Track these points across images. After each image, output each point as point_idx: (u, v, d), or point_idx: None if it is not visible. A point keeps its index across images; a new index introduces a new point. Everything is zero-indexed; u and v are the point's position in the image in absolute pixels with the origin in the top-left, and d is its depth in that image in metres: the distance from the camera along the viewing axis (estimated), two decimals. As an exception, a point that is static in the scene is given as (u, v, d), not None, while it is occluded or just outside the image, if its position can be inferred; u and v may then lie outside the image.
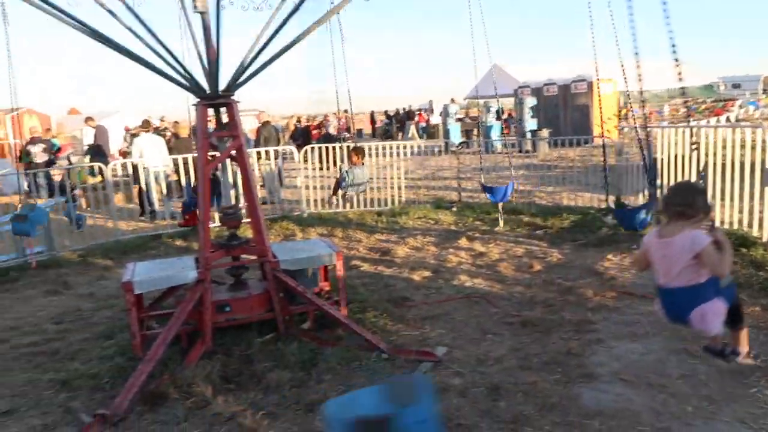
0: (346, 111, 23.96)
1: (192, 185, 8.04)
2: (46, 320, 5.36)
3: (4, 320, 5.44)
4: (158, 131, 13.18)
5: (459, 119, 24.46)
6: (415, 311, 5.04)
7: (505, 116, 26.51)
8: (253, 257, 4.65)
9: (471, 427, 3.25)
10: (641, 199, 7.67)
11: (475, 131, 25.40)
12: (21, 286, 6.59)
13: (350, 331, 4.34)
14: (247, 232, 6.15)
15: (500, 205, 8.05)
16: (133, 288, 4.16)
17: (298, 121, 25.22)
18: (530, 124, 20.32)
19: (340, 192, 8.94)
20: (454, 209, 9.39)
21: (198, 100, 4.32)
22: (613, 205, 6.74)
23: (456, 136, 22.09)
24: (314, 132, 22.18)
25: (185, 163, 9.23)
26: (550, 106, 20.92)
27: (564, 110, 20.77)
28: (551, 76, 21.69)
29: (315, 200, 9.93)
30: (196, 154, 9.58)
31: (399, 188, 10.04)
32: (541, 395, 3.50)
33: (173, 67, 4.32)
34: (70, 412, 3.62)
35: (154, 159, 10.18)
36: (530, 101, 20.61)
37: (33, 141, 12.45)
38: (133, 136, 15.88)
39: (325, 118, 22.34)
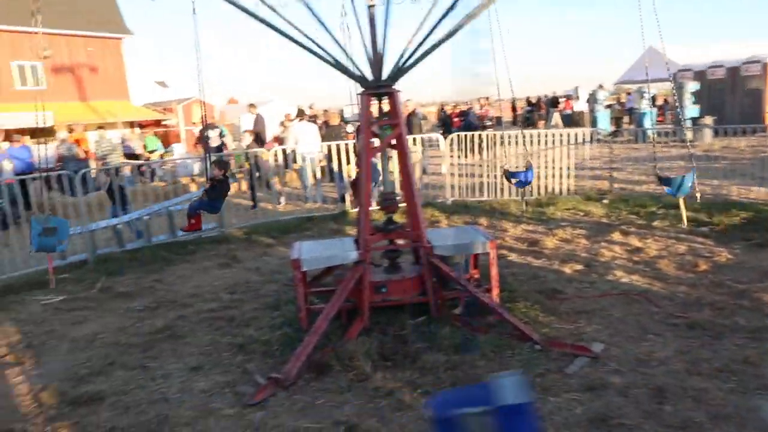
0: (487, 98, 23.55)
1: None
2: (221, 289, 5.98)
3: (187, 288, 6.16)
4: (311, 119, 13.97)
5: (608, 106, 23.07)
6: (568, 305, 4.92)
7: (659, 103, 24.57)
8: (408, 242, 4.81)
9: (633, 428, 3.13)
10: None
11: (626, 119, 23.84)
12: (198, 258, 7.39)
13: (502, 319, 4.35)
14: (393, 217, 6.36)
15: (682, 199, 7.04)
16: (300, 265, 4.50)
17: (442, 108, 25.26)
18: (691, 111, 18.59)
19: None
20: (606, 201, 8.94)
21: (363, 89, 4.54)
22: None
23: (604, 124, 20.88)
24: (455, 120, 22.16)
25: (333, 149, 9.74)
26: (715, 91, 18.98)
27: (731, 95, 18.75)
28: (717, 58, 19.65)
29: (459, 188, 9.98)
30: (345, 141, 10.24)
31: (545, 178, 9.75)
32: (713, 403, 3.27)
33: (328, 58, 4.56)
34: (247, 372, 4.04)
35: (309, 145, 10.84)
36: (692, 86, 18.83)
37: (208, 126, 13.79)
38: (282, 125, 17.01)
39: (468, 106, 22.18)
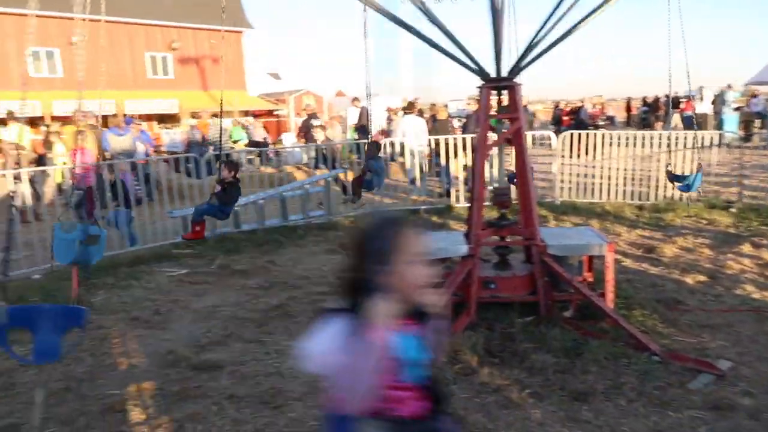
0: (600, 96, 22.42)
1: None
2: (329, 274, 6.18)
3: (297, 270, 6.42)
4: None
5: (736, 108, 21.25)
6: (690, 317, 4.60)
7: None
8: (520, 239, 4.72)
9: (766, 454, 2.89)
10: None
11: (757, 123, 21.84)
12: (307, 243, 7.68)
13: (617, 326, 4.16)
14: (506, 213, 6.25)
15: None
16: (411, 255, 4.54)
17: (557, 106, 24.47)
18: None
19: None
20: (733, 210, 8.26)
21: (482, 82, 4.49)
22: None
23: (733, 128, 19.26)
24: (565, 118, 21.39)
25: (437, 144, 9.73)
26: None
27: None
28: None
29: (570, 188, 9.63)
30: (453, 136, 10.21)
31: (664, 182, 9.16)
32: None
33: (450, 53, 4.55)
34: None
35: (416, 139, 10.90)
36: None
37: (312, 116, 14.30)
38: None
39: (580, 103, 21.31)
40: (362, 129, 15.06)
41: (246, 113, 31.76)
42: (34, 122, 22.77)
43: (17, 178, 7.75)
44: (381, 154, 8.84)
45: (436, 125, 11.44)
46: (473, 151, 4.66)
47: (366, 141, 9.65)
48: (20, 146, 10.33)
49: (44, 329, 3.12)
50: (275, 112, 32.34)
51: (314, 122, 14.02)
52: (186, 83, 30.59)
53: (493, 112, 4.60)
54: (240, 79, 32.99)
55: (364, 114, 15.96)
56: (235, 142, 15.96)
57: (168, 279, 6.22)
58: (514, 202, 5.29)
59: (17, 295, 5.36)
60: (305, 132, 14.89)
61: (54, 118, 24.09)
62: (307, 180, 9.62)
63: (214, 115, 14.18)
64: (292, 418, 3.35)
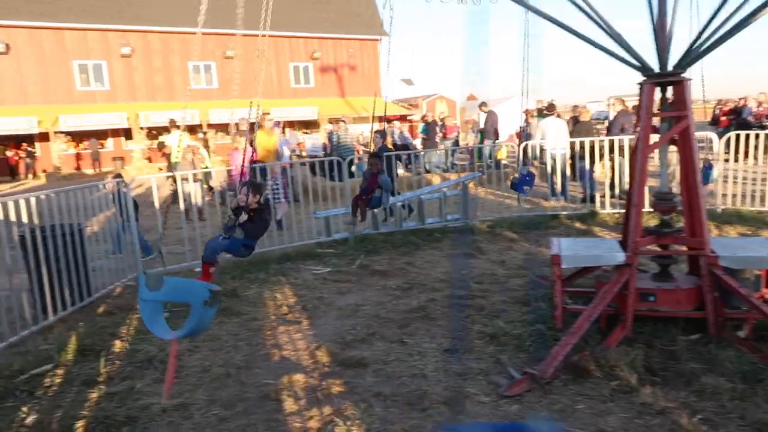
0: (764, 93, 20.12)
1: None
2: (468, 278, 6.09)
3: (436, 272, 6.41)
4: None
5: None
6: None
7: None
8: (686, 249, 4.30)
9: None
10: None
11: None
12: (444, 246, 7.65)
13: (806, 352, 3.63)
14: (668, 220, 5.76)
15: None
16: (560, 262, 4.33)
17: (719, 102, 22.24)
18: None
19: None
20: None
21: (644, 78, 4.16)
22: None
23: None
24: (723, 119, 19.38)
25: (581, 146, 9.21)
26: None
27: None
28: None
29: (733, 195, 8.68)
30: (599, 138, 9.65)
31: None
32: None
33: (608, 49, 4.26)
34: (500, 363, 4.03)
35: (556, 141, 10.46)
36: None
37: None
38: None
39: (742, 101, 19.19)
40: (487, 133, 14.77)
41: (381, 119, 32.53)
42: (192, 129, 25.10)
43: (185, 179, 8.53)
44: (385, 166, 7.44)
45: (578, 127, 10.88)
46: (632, 153, 4.32)
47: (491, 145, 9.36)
48: (195, 149, 11.29)
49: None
50: (408, 117, 32.82)
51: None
52: (325, 91, 32.07)
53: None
54: (375, 85, 33.90)
55: (489, 119, 15.47)
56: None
57: (313, 276, 6.49)
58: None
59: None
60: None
61: (210, 126, 26.45)
62: (444, 183, 9.59)
63: (332, 121, 14.48)
64: (439, 421, 3.31)
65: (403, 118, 31.85)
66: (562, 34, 4.47)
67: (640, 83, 4.22)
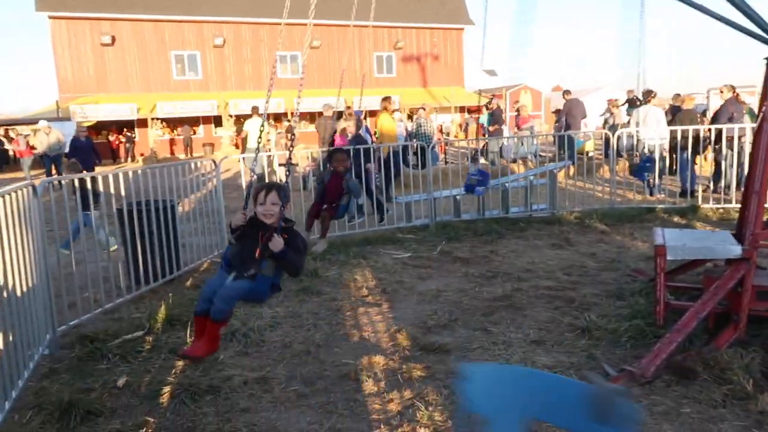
0: None
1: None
2: (556, 269, 5.77)
3: (521, 262, 6.13)
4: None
5: None
6: None
7: None
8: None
9: None
10: None
11: None
12: (529, 236, 7.33)
13: None
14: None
15: None
16: (665, 253, 3.97)
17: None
18: None
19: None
20: None
21: (773, 52, 3.71)
22: None
23: None
24: None
25: (683, 137, 8.53)
26: None
27: None
28: None
29: None
30: (703, 126, 8.93)
31: None
32: None
33: (737, 24, 3.83)
34: (593, 358, 3.75)
35: (653, 131, 9.79)
36: None
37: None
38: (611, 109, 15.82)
39: None
40: (573, 120, 14.07)
41: (461, 109, 32.12)
42: (278, 118, 25.74)
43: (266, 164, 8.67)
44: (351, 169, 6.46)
45: (680, 116, 10.12)
46: (755, 135, 3.87)
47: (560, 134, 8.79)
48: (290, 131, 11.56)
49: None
50: (516, 109, 32.10)
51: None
52: (407, 80, 31.96)
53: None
54: (458, 75, 33.45)
55: (566, 108, 14.51)
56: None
57: (393, 261, 6.39)
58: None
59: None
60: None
61: (294, 114, 27.04)
62: (531, 171, 9.22)
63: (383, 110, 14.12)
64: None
65: (480, 109, 31.21)
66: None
67: (766, 58, 3.77)
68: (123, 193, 5.43)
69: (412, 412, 3.17)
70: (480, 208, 8.31)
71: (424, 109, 13.58)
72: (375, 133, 11.03)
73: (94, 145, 14.04)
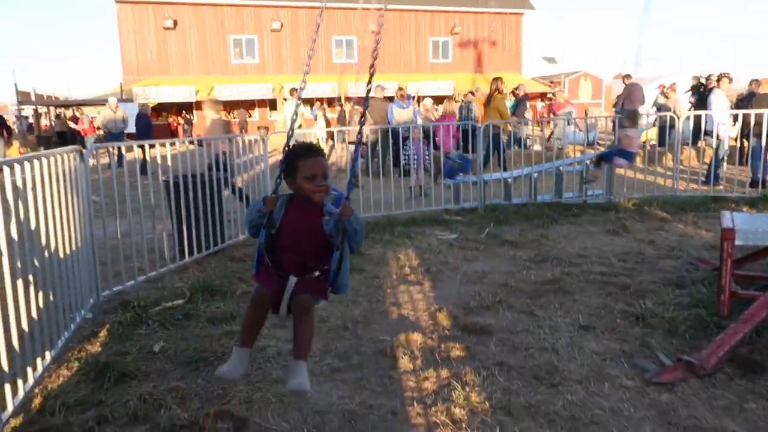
0: None
1: None
2: (611, 255, 5.46)
3: (573, 247, 5.84)
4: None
5: None
6: None
7: None
8: None
9: None
10: None
11: None
12: (583, 222, 7.00)
13: None
14: None
15: None
16: (734, 237, 3.64)
17: None
18: None
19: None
20: None
21: None
22: None
23: None
24: None
25: (757, 122, 7.91)
26: None
27: None
28: None
29: None
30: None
31: None
32: None
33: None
34: (647, 346, 3.48)
35: (723, 116, 9.17)
36: None
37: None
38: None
39: None
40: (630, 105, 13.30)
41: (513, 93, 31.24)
42: (331, 102, 25.81)
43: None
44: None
45: (756, 100, 9.44)
46: None
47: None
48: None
49: None
50: (548, 95, 31.21)
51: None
52: (463, 66, 31.41)
53: None
54: (516, 61, 32.63)
55: (625, 92, 13.66)
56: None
57: (438, 242, 6.22)
58: None
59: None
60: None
61: (348, 98, 27.10)
62: (586, 155, 8.81)
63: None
64: (570, 401, 2.89)
65: (542, 96, 30.38)
66: None
67: None
68: (170, 165, 5.47)
69: (447, 392, 3.02)
70: (531, 193, 8.01)
71: (473, 94, 13.25)
72: (488, 115, 10.98)
73: (150, 124, 14.44)
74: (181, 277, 5.13)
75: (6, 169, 2.91)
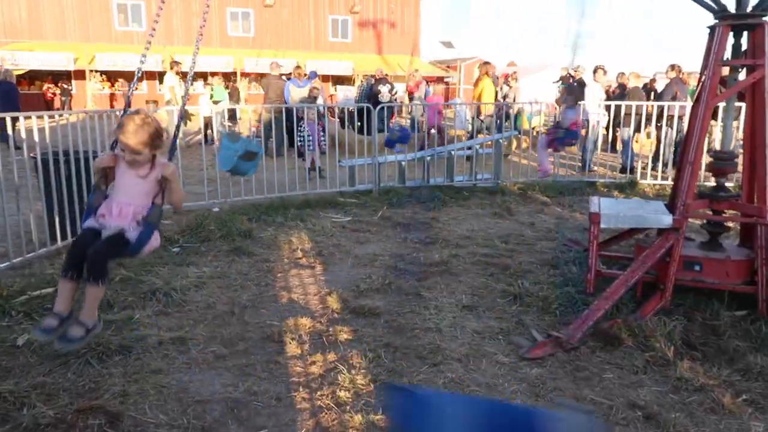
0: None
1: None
2: (495, 237, 5.74)
3: (461, 230, 6.07)
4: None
5: None
6: None
7: None
8: (741, 216, 3.88)
9: None
10: None
11: None
12: (472, 204, 7.29)
13: None
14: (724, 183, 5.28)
15: None
16: (599, 220, 3.95)
17: None
18: None
19: None
20: None
21: (716, 20, 3.67)
22: None
23: None
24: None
25: (626, 114, 8.63)
26: None
27: None
28: None
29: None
30: (643, 103, 9.05)
31: None
32: None
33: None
34: (522, 324, 3.72)
35: (590, 107, 9.88)
36: None
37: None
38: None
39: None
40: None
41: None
42: (227, 76, 24.84)
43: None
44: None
45: (627, 93, 10.24)
46: (694, 104, 3.86)
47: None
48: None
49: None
50: (445, 79, 32.01)
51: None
52: (362, 47, 31.35)
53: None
54: (414, 44, 32.98)
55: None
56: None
57: (332, 224, 6.22)
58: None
59: (198, 221, 5.69)
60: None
61: (243, 74, 26.20)
62: (478, 140, 9.16)
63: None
64: (451, 378, 3.03)
65: (440, 80, 31.05)
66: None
67: (710, 26, 3.74)
68: (43, 141, 5.01)
69: (333, 375, 3.05)
70: (425, 176, 8.21)
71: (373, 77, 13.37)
72: (475, 97, 11.26)
73: (15, 92, 12.54)
74: (53, 263, 4.75)
75: None
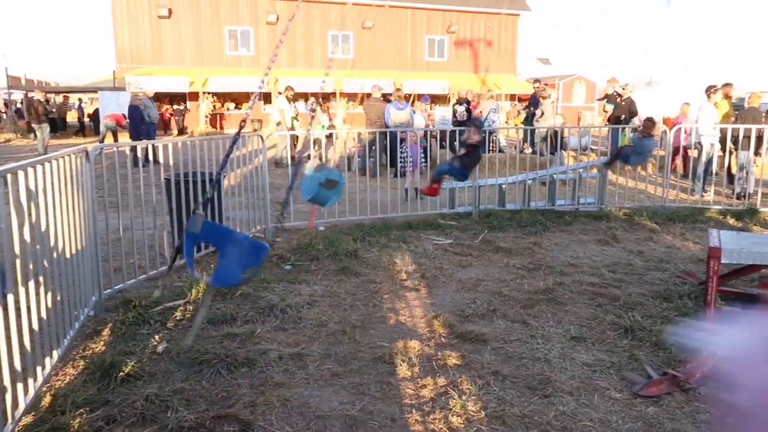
0: None
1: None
2: (601, 266, 5.61)
3: (565, 256, 5.98)
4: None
5: None
6: None
7: None
8: None
9: None
10: None
11: None
12: (575, 230, 7.15)
13: None
14: None
15: None
16: (719, 255, 3.79)
17: None
18: None
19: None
20: None
21: None
22: None
23: None
24: None
25: (745, 136, 8.10)
26: None
27: None
28: None
29: None
30: (762, 126, 8.47)
31: None
32: None
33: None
34: (635, 359, 3.63)
35: (707, 128, 9.36)
36: None
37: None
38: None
39: None
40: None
41: (512, 97, 31.54)
42: (327, 97, 25.81)
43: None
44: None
45: (743, 113, 9.63)
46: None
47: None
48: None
49: (229, 255, 3.22)
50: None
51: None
52: (458, 65, 31.50)
53: None
54: (511, 62, 32.75)
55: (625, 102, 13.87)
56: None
57: (434, 247, 6.34)
58: None
59: (307, 240, 6.00)
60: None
61: (343, 94, 27.11)
62: (580, 164, 8.97)
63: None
64: (562, 411, 3.03)
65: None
66: None
67: None
68: (171, 162, 5.53)
69: (444, 400, 3.14)
70: (525, 199, 8.14)
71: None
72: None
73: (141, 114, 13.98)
74: (181, 276, 5.20)
75: (20, 173, 2.98)
